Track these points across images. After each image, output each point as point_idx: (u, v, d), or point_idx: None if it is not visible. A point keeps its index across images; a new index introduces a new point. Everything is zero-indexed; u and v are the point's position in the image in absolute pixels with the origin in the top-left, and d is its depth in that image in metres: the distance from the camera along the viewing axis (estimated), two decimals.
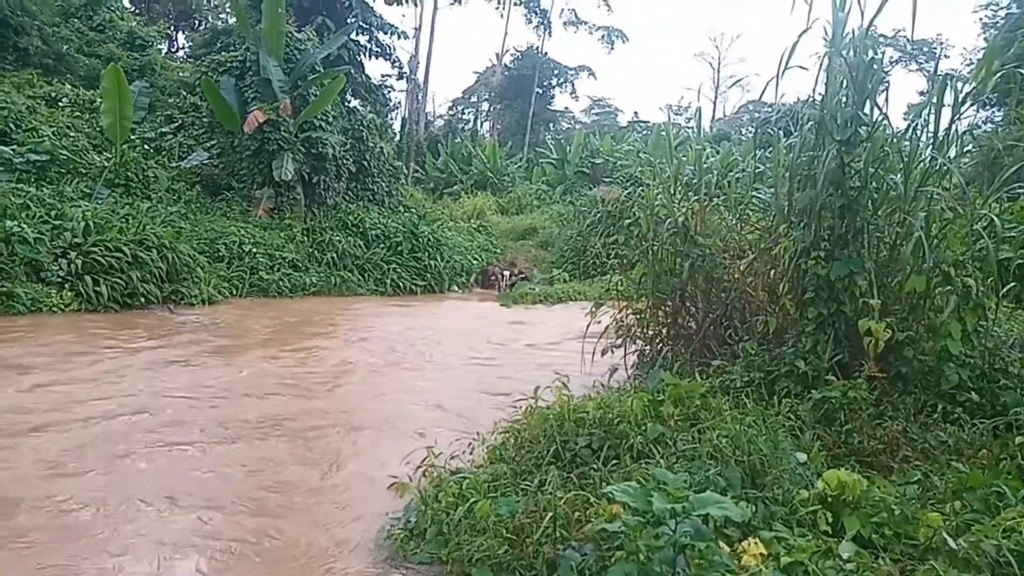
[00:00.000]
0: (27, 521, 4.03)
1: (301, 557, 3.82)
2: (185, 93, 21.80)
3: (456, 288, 20.73)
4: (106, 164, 16.33)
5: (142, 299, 12.34)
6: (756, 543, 2.80)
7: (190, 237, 15.12)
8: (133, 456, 5.20)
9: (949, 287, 4.86)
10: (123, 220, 13.50)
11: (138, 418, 6.11)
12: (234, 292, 15.05)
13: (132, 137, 17.69)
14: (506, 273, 22.25)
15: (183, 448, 5.46)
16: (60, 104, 19.14)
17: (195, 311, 12.78)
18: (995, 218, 5.05)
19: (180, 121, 20.76)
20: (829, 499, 3.38)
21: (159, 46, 28.32)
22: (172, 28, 35.09)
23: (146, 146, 18.63)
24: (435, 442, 4.78)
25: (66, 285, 11.55)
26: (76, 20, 24.10)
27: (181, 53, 34.83)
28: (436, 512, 3.81)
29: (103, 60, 22.07)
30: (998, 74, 5.04)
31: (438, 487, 4.06)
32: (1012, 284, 5.93)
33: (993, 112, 23.39)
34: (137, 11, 30.56)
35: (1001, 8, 33.12)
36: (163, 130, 20.23)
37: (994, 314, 5.13)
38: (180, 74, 25.42)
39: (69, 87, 20.24)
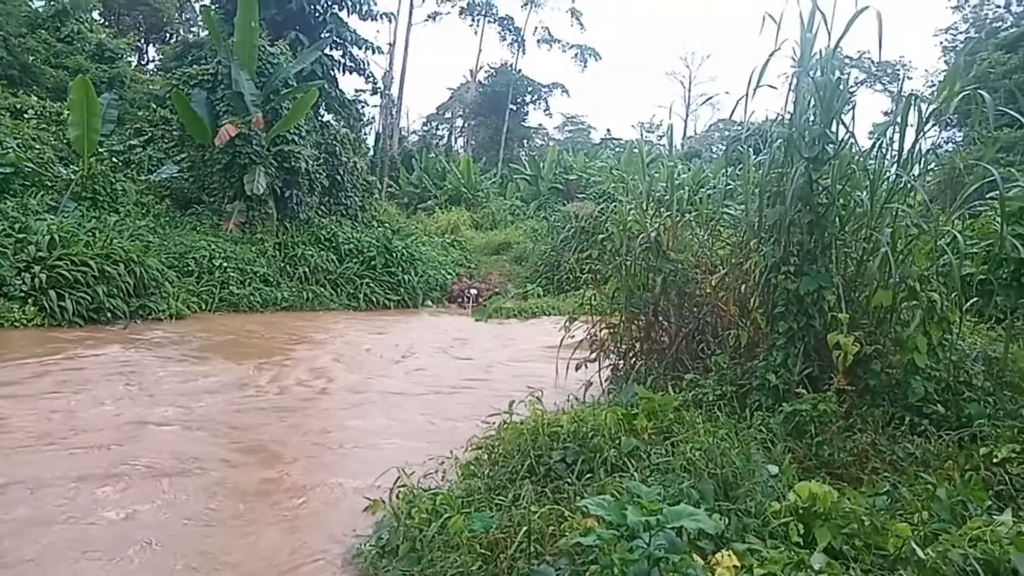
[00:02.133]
0: None
1: None
2: (155, 106, 21.57)
3: (430, 303, 20.67)
4: (73, 177, 16.04)
5: (108, 314, 12.08)
6: (729, 555, 2.81)
7: (159, 251, 14.89)
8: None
9: (915, 301, 4.96)
10: (90, 234, 13.22)
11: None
12: (204, 307, 14.82)
13: (100, 150, 17.42)
14: (473, 292, 21.43)
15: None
16: (25, 116, 18.80)
17: (161, 326, 12.53)
18: (958, 235, 5.18)
19: (150, 134, 20.50)
20: (800, 511, 3.41)
21: (129, 58, 27.99)
22: (142, 41, 34.76)
23: (114, 159, 18.36)
24: (406, 461, 4.73)
25: (29, 300, 11.27)
26: (43, 31, 23.75)
27: (151, 66, 34.49)
28: (409, 528, 3.76)
29: (71, 72, 21.76)
30: (960, 95, 5.18)
31: (411, 503, 4.01)
32: (975, 299, 6.08)
33: (954, 133, 24.12)
34: (107, 23, 30.23)
35: (960, 33, 34.25)
36: (132, 143, 19.96)
37: (958, 328, 5.24)
38: (150, 87, 25.16)
39: (35, 99, 19.91)
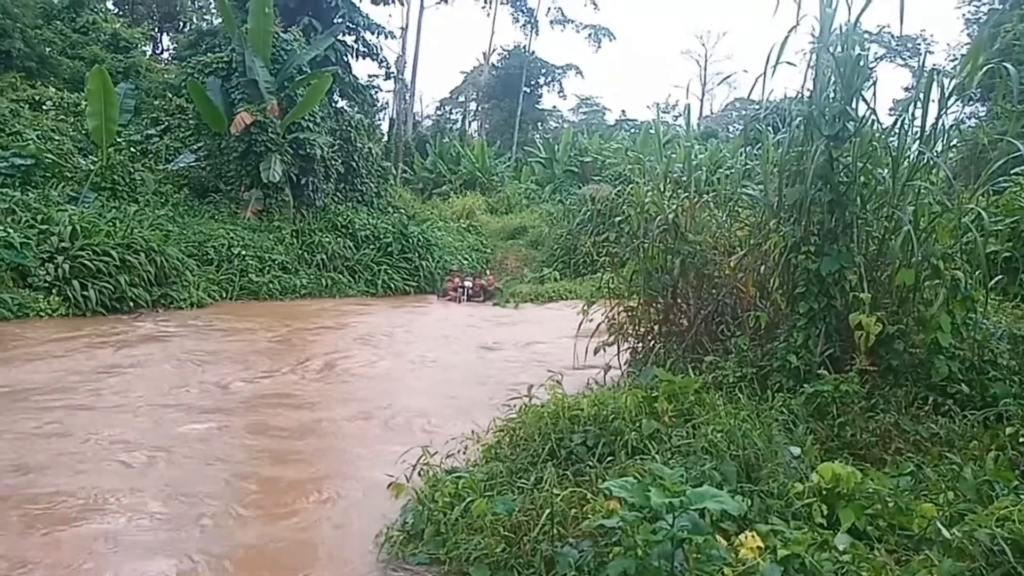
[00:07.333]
0: None
1: (299, 563, 3.80)
2: (171, 95, 21.67)
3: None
4: (92, 167, 16.21)
5: (130, 303, 12.26)
6: (753, 536, 2.82)
7: (178, 240, 15.05)
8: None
9: (938, 280, 4.90)
10: (110, 224, 13.40)
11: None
12: (224, 295, 14.99)
13: (118, 140, 17.57)
14: (467, 284, 19.27)
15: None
16: (44, 107, 18.99)
17: (183, 314, 12.68)
18: (982, 212, 5.09)
19: (166, 123, 20.63)
20: (824, 492, 3.41)
21: (143, 48, 28.11)
22: (156, 30, 34.83)
23: (132, 149, 18.50)
24: (430, 441, 4.77)
25: (53, 290, 11.47)
26: (59, 22, 23.89)
27: (166, 55, 34.60)
28: (433, 512, 3.80)
29: (87, 62, 21.90)
30: (984, 69, 5.07)
31: (434, 487, 4.05)
32: (999, 276, 5.99)
33: (977, 107, 23.62)
34: (121, 13, 30.31)
35: (984, 4, 33.41)
36: (149, 132, 20.10)
37: (983, 306, 5.17)
38: (165, 76, 25.27)
39: (53, 90, 20.08)
